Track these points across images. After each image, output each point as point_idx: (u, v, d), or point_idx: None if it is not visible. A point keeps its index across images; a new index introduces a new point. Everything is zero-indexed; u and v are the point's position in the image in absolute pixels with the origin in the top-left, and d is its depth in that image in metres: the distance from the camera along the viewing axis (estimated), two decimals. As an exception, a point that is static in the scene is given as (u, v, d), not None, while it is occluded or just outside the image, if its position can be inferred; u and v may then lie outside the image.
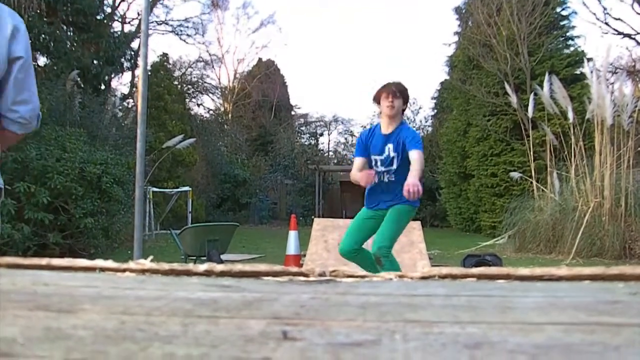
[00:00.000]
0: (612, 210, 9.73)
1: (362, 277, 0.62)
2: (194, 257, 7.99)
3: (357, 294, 0.58)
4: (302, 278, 0.62)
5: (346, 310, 0.52)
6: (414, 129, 24.94)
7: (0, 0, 2.42)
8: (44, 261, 0.75)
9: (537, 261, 9.40)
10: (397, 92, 4.60)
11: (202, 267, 0.65)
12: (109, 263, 0.73)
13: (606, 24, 20.80)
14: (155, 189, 14.82)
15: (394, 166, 4.56)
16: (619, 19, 21.04)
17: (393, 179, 4.58)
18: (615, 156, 9.96)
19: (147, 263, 0.71)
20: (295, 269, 0.64)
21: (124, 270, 0.71)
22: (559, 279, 0.65)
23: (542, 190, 11.33)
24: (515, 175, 12.73)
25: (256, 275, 0.64)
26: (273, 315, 0.52)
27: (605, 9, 22.48)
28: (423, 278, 0.64)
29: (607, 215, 9.69)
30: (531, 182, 11.71)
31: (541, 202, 11.18)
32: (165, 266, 0.68)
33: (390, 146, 4.58)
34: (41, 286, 0.64)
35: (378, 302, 0.55)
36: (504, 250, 10.93)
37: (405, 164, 4.45)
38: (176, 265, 0.68)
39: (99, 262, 0.73)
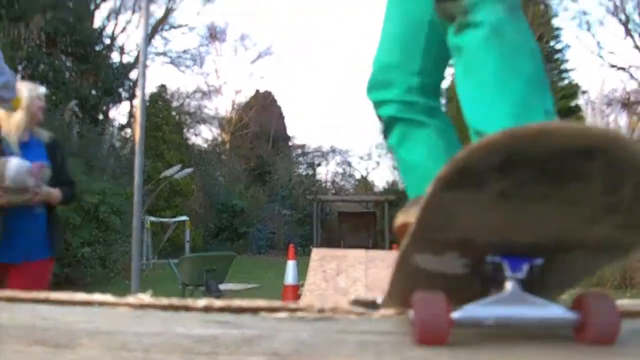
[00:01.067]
0: (611, 240, 9.71)
1: (361, 314, 0.62)
2: (192, 287, 7.93)
3: (356, 332, 0.58)
4: (301, 314, 0.62)
5: (345, 349, 0.52)
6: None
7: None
8: (42, 295, 0.75)
9: (536, 292, 9.35)
10: None
11: (201, 302, 0.65)
12: (108, 297, 0.73)
13: (600, 57, 21.06)
14: (153, 219, 14.78)
15: None
16: (612, 53, 21.28)
17: None
18: (612, 186, 9.98)
19: (145, 298, 0.71)
20: (294, 305, 0.64)
21: (122, 305, 0.71)
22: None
23: (540, 220, 11.32)
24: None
25: (255, 310, 0.64)
26: (272, 352, 0.52)
27: (598, 43, 22.77)
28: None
29: (606, 245, 9.67)
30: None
31: (539, 232, 11.17)
32: (164, 301, 0.68)
33: None
34: (40, 320, 0.64)
35: (377, 341, 0.55)
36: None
37: None
38: (175, 300, 0.68)
39: (98, 297, 0.73)
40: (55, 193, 3.09)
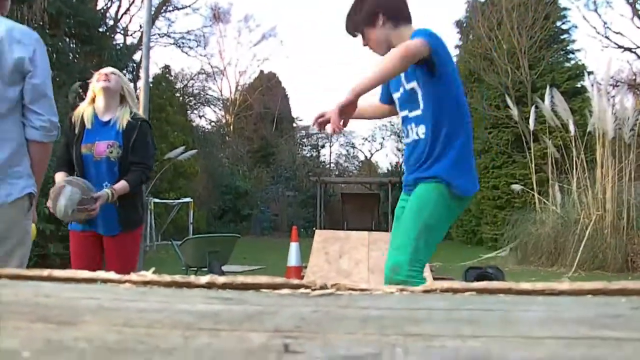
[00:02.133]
0: (615, 223, 9.72)
1: (363, 290, 0.62)
2: (195, 268, 7.97)
3: (358, 307, 0.58)
4: (303, 291, 0.62)
5: (347, 324, 0.53)
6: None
7: (6, 13, 2.50)
8: (45, 272, 0.75)
9: (539, 274, 9.38)
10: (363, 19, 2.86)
11: (204, 279, 0.65)
12: (111, 274, 0.73)
13: (607, 37, 20.92)
14: (156, 200, 14.83)
15: (419, 106, 2.64)
16: (619, 33, 21.15)
17: (423, 132, 2.63)
18: (617, 169, 9.96)
19: (148, 275, 0.71)
20: (296, 282, 0.64)
21: (125, 282, 0.71)
22: (560, 293, 0.65)
23: (544, 202, 11.32)
24: (517, 187, 12.72)
25: (257, 287, 0.64)
26: (274, 328, 0.52)
27: (605, 23, 22.61)
28: (425, 292, 0.64)
29: (609, 228, 9.68)
30: (533, 195, 11.72)
31: (543, 214, 11.18)
32: (167, 278, 0.68)
33: (402, 74, 2.66)
34: (42, 298, 0.64)
35: (379, 316, 0.55)
36: (506, 262, 10.90)
37: (439, 101, 2.60)
38: (178, 277, 0.68)
39: (101, 274, 0.73)
40: (115, 192, 3.28)
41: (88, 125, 3.38)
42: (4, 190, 2.33)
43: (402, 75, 2.65)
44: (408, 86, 2.67)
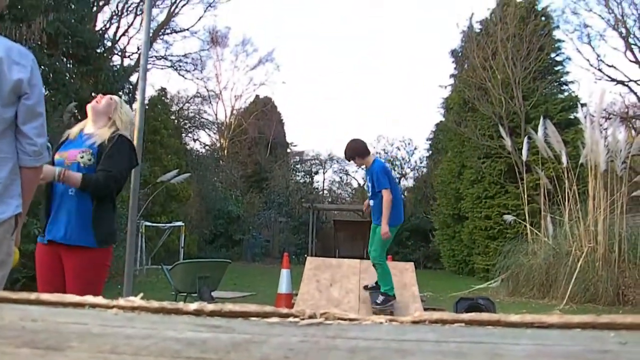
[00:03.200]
0: (606, 255, 9.73)
1: (352, 320, 0.62)
2: (185, 294, 7.91)
3: (346, 337, 0.57)
4: (292, 320, 0.62)
5: (335, 355, 0.52)
6: (410, 169, 24.82)
7: (4, 32, 2.54)
8: (33, 295, 0.75)
9: (530, 306, 9.35)
10: (348, 158, 6.60)
11: (192, 306, 0.65)
12: (99, 299, 0.72)
13: (600, 70, 21.18)
14: (148, 224, 14.75)
15: (370, 194, 6.53)
16: (612, 66, 21.43)
17: (371, 203, 6.47)
18: (608, 201, 10.01)
19: (136, 300, 0.70)
20: (285, 311, 0.64)
21: (113, 307, 0.70)
22: (549, 326, 0.65)
23: (536, 234, 11.34)
24: (509, 218, 12.75)
25: (246, 315, 0.63)
26: (261, 358, 0.52)
27: (598, 55, 22.91)
28: (414, 322, 0.64)
29: (601, 260, 9.68)
30: (525, 226, 11.74)
31: (535, 245, 11.19)
32: (155, 304, 0.68)
33: (367, 178, 6.63)
34: (29, 322, 0.63)
35: (367, 347, 0.55)
36: (497, 293, 10.88)
37: (375, 194, 6.30)
38: (166, 304, 0.68)
39: (89, 298, 0.73)
40: (65, 175, 3.17)
41: (72, 139, 3.43)
42: (1, 207, 2.34)
43: (370, 187, 6.47)
44: (368, 184, 6.59)
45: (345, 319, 0.60)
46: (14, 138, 2.40)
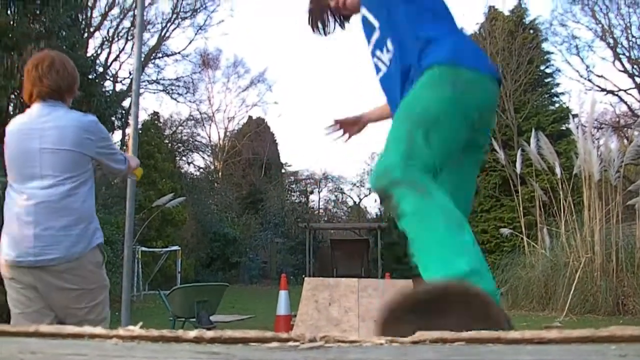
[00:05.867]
0: (604, 265, 9.72)
1: (352, 342, 0.62)
2: (183, 319, 7.85)
3: (347, 360, 0.57)
4: (292, 344, 0.62)
5: (336, 378, 0.52)
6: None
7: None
8: (31, 328, 0.74)
9: (530, 319, 9.31)
10: None
11: (192, 333, 0.65)
12: (98, 330, 0.72)
13: (589, 80, 21.36)
14: (144, 249, 14.68)
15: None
16: (601, 76, 21.64)
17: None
18: (604, 211, 10.02)
19: (136, 329, 0.70)
20: (284, 335, 0.64)
21: (112, 337, 0.70)
22: (549, 341, 0.65)
23: (533, 246, 11.33)
24: (506, 231, 12.74)
25: (246, 341, 0.63)
26: (263, 383, 0.51)
27: (588, 66, 23.13)
28: (413, 342, 0.64)
29: (599, 270, 9.67)
30: (522, 238, 11.72)
31: (532, 258, 11.17)
32: (155, 333, 0.68)
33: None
34: (28, 354, 0.63)
35: (368, 370, 0.55)
36: (497, 307, 10.80)
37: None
38: (166, 332, 0.67)
39: (87, 329, 0.72)
40: None
41: None
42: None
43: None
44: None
45: (345, 342, 0.60)
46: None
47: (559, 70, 19.71)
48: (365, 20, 2.08)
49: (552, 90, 18.61)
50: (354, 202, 35.58)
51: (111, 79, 21.77)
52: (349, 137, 2.59)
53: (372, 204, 35.32)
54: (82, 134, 2.70)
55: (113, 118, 16.48)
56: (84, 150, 2.68)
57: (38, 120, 2.68)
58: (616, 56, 21.00)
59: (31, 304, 2.62)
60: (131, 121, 6.19)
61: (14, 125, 2.73)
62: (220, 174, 31.16)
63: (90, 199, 2.78)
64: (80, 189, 2.68)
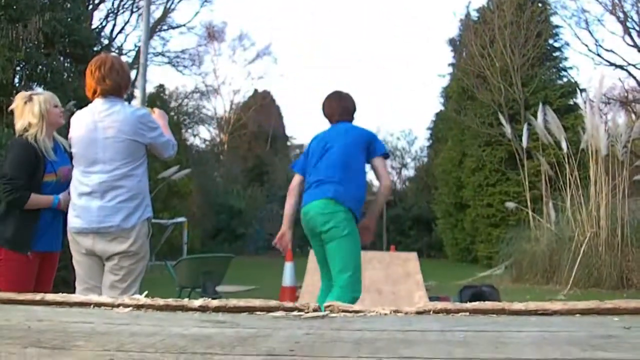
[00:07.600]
0: (609, 240, 9.72)
1: (357, 312, 0.62)
2: (189, 289, 7.91)
3: (351, 329, 0.58)
4: (296, 313, 0.62)
5: (341, 347, 0.52)
6: (410, 158, 24.82)
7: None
8: (38, 296, 0.75)
9: (534, 292, 9.35)
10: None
11: (197, 302, 0.65)
12: (104, 298, 0.73)
13: (598, 55, 21.11)
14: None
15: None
16: (610, 51, 21.35)
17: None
18: (610, 186, 9.99)
19: (141, 298, 0.71)
20: (290, 304, 0.64)
21: (118, 306, 0.71)
22: (553, 313, 0.65)
23: (538, 220, 11.33)
24: (511, 205, 12.74)
25: (251, 310, 0.64)
26: (267, 351, 0.52)
27: (597, 41, 22.85)
28: (418, 313, 0.64)
29: (604, 245, 9.68)
30: (527, 212, 11.72)
31: (537, 232, 11.18)
32: (160, 301, 0.68)
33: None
34: (35, 322, 0.64)
35: (372, 338, 0.55)
36: (501, 280, 10.86)
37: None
38: (171, 301, 0.68)
39: (94, 297, 0.73)
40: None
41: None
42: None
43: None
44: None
45: (349, 311, 0.60)
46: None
47: (568, 44, 19.45)
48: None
49: (560, 65, 18.42)
50: (359, 175, 35.47)
51: (116, 51, 21.64)
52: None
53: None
54: (137, 125, 3.16)
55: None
56: (139, 139, 3.17)
57: (100, 115, 3.15)
58: (626, 30, 20.70)
59: (90, 262, 3.19)
60: (138, 93, 6.18)
61: (80, 118, 3.23)
62: (225, 146, 31.14)
63: (145, 179, 3.30)
64: (136, 171, 3.20)
